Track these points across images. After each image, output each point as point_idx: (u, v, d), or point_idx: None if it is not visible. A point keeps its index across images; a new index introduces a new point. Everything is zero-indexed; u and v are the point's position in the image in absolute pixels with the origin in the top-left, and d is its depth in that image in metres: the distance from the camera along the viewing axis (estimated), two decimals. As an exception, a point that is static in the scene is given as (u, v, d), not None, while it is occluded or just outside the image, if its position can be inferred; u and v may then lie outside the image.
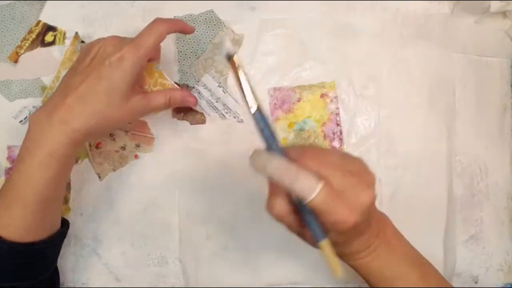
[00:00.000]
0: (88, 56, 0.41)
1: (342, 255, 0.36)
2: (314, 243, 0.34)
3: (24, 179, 0.38)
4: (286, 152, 0.32)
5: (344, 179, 0.31)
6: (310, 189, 0.30)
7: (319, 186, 0.30)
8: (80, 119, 0.39)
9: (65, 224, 0.45)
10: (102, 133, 0.43)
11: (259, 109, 0.32)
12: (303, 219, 0.33)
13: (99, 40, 0.42)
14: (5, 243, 0.38)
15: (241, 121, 0.50)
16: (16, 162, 0.40)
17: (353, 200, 0.31)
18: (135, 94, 0.41)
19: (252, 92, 0.32)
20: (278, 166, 0.30)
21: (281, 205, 0.33)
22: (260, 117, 0.32)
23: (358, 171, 0.33)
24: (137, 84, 0.43)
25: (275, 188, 0.33)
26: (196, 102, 0.46)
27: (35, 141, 0.39)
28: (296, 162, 0.31)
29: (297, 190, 0.30)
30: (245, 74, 0.32)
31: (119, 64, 0.39)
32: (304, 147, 0.35)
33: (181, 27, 0.44)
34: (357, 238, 0.34)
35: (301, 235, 0.35)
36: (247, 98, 0.32)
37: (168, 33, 0.42)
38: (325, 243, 0.33)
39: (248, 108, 0.32)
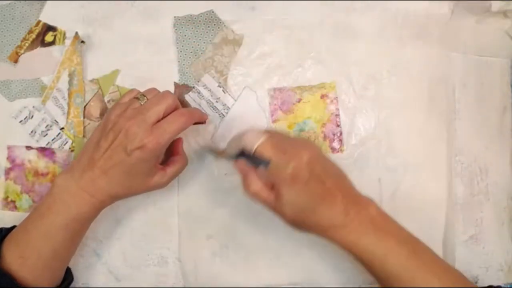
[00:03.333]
0: (109, 132, 0.41)
1: (324, 230, 0.40)
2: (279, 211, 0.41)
3: (44, 236, 0.41)
4: None
5: (285, 140, 0.41)
6: (256, 137, 0.40)
7: (262, 139, 0.40)
8: (106, 193, 0.42)
9: (69, 275, 0.46)
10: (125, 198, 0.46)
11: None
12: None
13: (118, 111, 0.42)
14: None
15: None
16: (32, 215, 0.42)
17: (292, 152, 0.39)
18: (156, 172, 0.43)
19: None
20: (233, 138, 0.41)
21: (254, 182, 0.41)
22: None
23: (298, 141, 0.44)
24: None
25: (245, 170, 0.41)
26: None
27: (61, 203, 0.41)
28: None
29: (246, 142, 0.40)
30: None
31: (140, 154, 0.40)
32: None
33: (199, 117, 0.45)
34: (322, 209, 0.39)
35: (275, 209, 0.41)
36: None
37: (187, 126, 0.43)
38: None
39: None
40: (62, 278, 0.44)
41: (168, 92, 0.43)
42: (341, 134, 0.50)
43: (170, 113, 0.42)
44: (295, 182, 0.39)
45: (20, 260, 0.40)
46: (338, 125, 0.50)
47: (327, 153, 0.50)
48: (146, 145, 0.40)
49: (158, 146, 0.40)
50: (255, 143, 0.40)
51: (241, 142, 0.40)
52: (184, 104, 0.50)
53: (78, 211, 0.41)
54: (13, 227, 0.43)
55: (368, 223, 0.39)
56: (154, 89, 0.45)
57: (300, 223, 0.41)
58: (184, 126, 0.42)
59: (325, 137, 0.50)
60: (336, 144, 0.50)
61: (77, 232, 0.43)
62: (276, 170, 0.39)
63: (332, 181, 0.40)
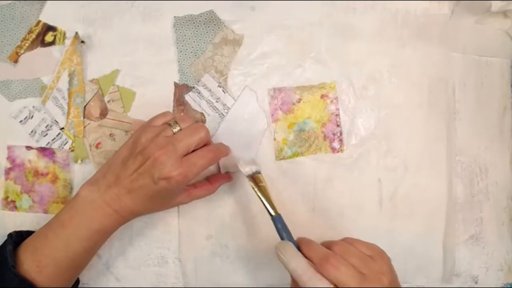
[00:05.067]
0: (138, 155, 0.41)
1: None
2: None
3: (63, 246, 0.41)
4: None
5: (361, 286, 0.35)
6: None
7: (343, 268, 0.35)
8: (129, 210, 0.42)
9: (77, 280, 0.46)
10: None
11: (278, 215, 0.41)
12: None
13: (150, 135, 0.42)
14: None
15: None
16: (53, 224, 0.42)
17: (372, 277, 0.35)
18: (179, 195, 0.44)
19: (271, 202, 0.42)
20: (299, 266, 0.36)
21: None
22: (279, 222, 0.41)
23: (373, 276, 0.36)
24: None
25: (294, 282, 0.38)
26: (231, 178, 0.49)
27: (85, 215, 0.41)
28: (316, 264, 0.36)
29: None
30: (265, 186, 0.43)
31: (166, 185, 0.40)
32: (327, 249, 0.38)
33: (225, 154, 0.46)
34: None
35: None
36: (267, 207, 0.42)
37: (215, 163, 0.45)
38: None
39: (269, 213, 0.42)
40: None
41: (201, 125, 0.43)
42: (341, 134, 0.50)
43: (201, 146, 0.42)
44: None
45: (38, 269, 0.40)
46: (338, 125, 0.50)
47: (329, 152, 0.50)
48: (173, 177, 0.40)
49: (185, 180, 0.41)
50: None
51: (301, 284, 0.36)
52: (184, 104, 0.50)
53: (101, 225, 0.42)
54: (28, 232, 0.44)
55: None
56: (189, 117, 0.45)
57: None
58: (212, 162, 0.43)
59: (325, 137, 0.50)
60: (336, 144, 0.50)
61: (97, 243, 0.43)
62: None
63: None
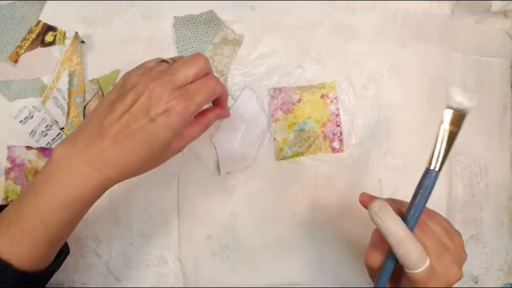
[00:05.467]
0: (128, 93, 0.35)
1: None
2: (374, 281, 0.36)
3: (38, 218, 0.34)
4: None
5: (442, 258, 0.33)
6: (417, 265, 0.32)
7: (426, 265, 0.33)
8: (116, 168, 0.35)
9: (65, 248, 0.40)
10: (134, 176, 0.38)
11: (438, 172, 0.34)
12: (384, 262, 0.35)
13: (141, 72, 0.36)
14: (17, 272, 0.34)
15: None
16: (27, 192, 0.35)
17: (443, 278, 0.33)
18: (174, 138, 0.37)
19: (446, 155, 0.34)
20: (399, 234, 0.33)
21: (377, 260, 0.35)
22: (433, 180, 0.34)
23: (454, 249, 0.35)
24: None
25: (377, 242, 0.35)
26: (229, 114, 0.44)
27: (59, 180, 0.34)
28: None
29: (406, 261, 0.33)
30: (455, 134, 0.34)
31: (165, 120, 0.34)
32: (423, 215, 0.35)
33: (226, 95, 0.41)
34: None
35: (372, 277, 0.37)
36: (437, 154, 0.34)
37: (218, 94, 0.38)
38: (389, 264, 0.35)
39: (430, 162, 0.34)
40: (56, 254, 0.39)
41: (200, 53, 0.37)
42: (341, 134, 0.50)
43: (200, 78, 0.37)
44: None
45: (12, 247, 0.34)
46: (338, 125, 0.50)
47: (329, 152, 0.50)
48: (173, 108, 0.34)
49: (186, 111, 0.35)
50: (414, 268, 0.33)
51: (400, 254, 0.33)
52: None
53: (80, 190, 0.34)
54: (5, 205, 0.37)
55: None
56: (184, 56, 0.39)
57: None
58: (214, 93, 0.37)
59: (325, 137, 0.50)
60: (336, 144, 0.50)
61: (77, 213, 0.35)
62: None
63: None
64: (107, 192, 0.51)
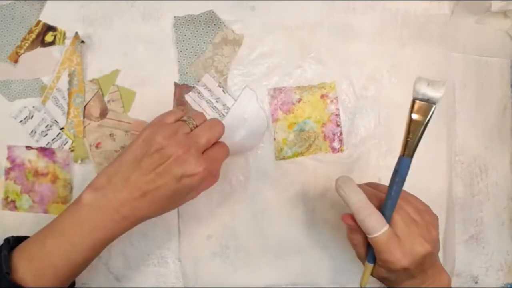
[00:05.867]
0: (154, 154, 0.38)
1: None
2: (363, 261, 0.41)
3: (64, 255, 0.38)
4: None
5: (408, 228, 0.37)
6: (375, 228, 0.37)
7: (384, 229, 0.37)
8: (141, 216, 0.40)
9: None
10: None
11: (410, 159, 0.37)
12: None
13: (167, 133, 0.39)
14: None
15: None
16: (54, 230, 0.39)
17: (408, 248, 0.37)
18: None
19: (413, 144, 0.37)
20: (358, 202, 0.38)
21: (358, 238, 0.40)
22: (407, 167, 0.37)
23: (423, 224, 0.38)
24: None
25: (351, 224, 0.39)
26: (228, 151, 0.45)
27: (90, 224, 0.38)
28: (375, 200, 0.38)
29: (365, 225, 0.37)
30: (422, 124, 0.36)
31: (190, 182, 0.39)
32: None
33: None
34: (408, 280, 0.38)
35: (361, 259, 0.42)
36: (407, 145, 0.37)
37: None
38: (368, 265, 0.40)
39: (403, 150, 0.37)
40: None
41: (217, 120, 0.42)
42: (341, 134, 0.50)
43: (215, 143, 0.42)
44: (401, 272, 0.37)
45: (35, 278, 0.37)
46: (338, 125, 0.50)
47: (329, 152, 0.50)
48: (198, 173, 0.38)
49: (209, 175, 0.40)
50: (373, 232, 0.37)
51: (359, 220, 0.37)
52: (184, 104, 0.50)
53: (107, 234, 0.39)
54: (26, 237, 0.40)
55: None
56: (201, 113, 0.43)
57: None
58: (228, 156, 0.43)
59: (325, 137, 0.50)
60: (336, 144, 0.50)
61: (99, 251, 0.40)
62: (386, 264, 0.38)
63: (434, 270, 0.39)
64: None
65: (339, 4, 0.51)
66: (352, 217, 0.39)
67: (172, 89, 0.50)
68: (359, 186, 0.39)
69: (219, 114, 0.50)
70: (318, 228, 0.50)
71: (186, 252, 0.50)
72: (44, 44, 0.51)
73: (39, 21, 0.51)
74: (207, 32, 0.50)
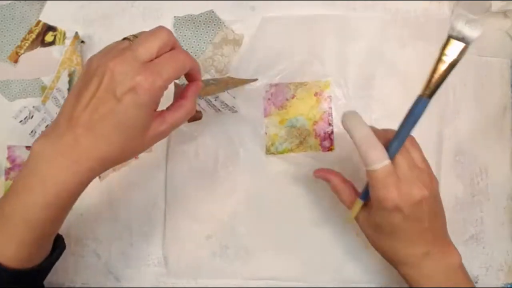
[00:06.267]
0: (92, 79, 0.33)
1: (395, 263, 0.39)
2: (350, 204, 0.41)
3: (21, 218, 0.33)
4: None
5: (411, 172, 0.36)
6: (375, 161, 0.35)
7: (384, 163, 0.35)
8: (93, 157, 0.33)
9: (59, 242, 0.40)
10: (118, 164, 0.36)
11: (428, 100, 0.35)
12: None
13: (102, 54, 0.34)
14: (7, 271, 0.34)
15: (235, 112, 0.50)
16: (9, 192, 0.34)
17: (405, 189, 0.35)
18: (152, 121, 0.35)
19: (439, 84, 0.35)
20: (363, 134, 0.36)
21: (350, 194, 0.41)
22: (423, 107, 0.35)
23: (425, 171, 0.37)
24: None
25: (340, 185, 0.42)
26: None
27: (39, 178, 0.33)
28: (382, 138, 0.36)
29: (366, 156, 0.35)
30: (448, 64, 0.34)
31: (133, 98, 0.32)
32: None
33: (198, 69, 0.38)
34: (405, 244, 0.38)
35: (358, 216, 0.41)
36: (429, 84, 0.35)
37: (188, 68, 0.36)
38: (358, 201, 0.40)
39: (424, 89, 0.35)
40: (50, 248, 0.38)
41: (162, 26, 0.35)
42: (332, 133, 0.50)
43: (166, 52, 0.34)
44: (394, 214, 0.36)
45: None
46: (330, 124, 0.50)
47: (319, 151, 0.50)
48: (139, 84, 0.32)
49: (154, 87, 0.32)
50: (372, 165, 0.35)
51: (361, 151, 0.36)
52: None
53: (60, 186, 0.33)
54: None
55: (442, 273, 0.38)
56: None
57: (373, 242, 0.40)
58: (183, 69, 0.35)
59: (316, 135, 0.50)
60: (326, 143, 0.50)
61: (61, 210, 0.34)
62: (380, 201, 0.36)
63: (429, 222, 0.37)
64: (107, 192, 0.51)
65: (339, 4, 0.51)
66: (321, 171, 0.41)
67: (172, 89, 0.50)
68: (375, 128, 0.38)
69: (215, 110, 0.50)
70: (316, 227, 0.50)
71: (186, 252, 0.50)
72: (44, 44, 0.51)
73: (39, 21, 0.51)
74: (207, 32, 0.50)
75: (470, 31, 0.33)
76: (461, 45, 0.34)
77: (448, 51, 0.34)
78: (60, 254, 0.40)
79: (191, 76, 0.38)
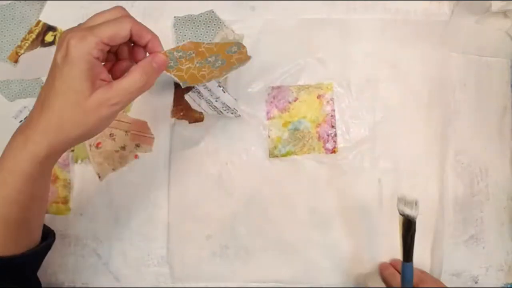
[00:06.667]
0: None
1: None
2: None
3: None
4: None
5: None
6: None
7: None
8: (47, 133, 0.33)
9: (49, 236, 0.40)
10: (72, 144, 0.35)
11: (410, 264, 0.41)
12: None
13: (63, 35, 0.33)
14: None
15: (238, 116, 0.50)
16: None
17: None
18: (96, 88, 0.33)
19: (411, 249, 0.41)
20: None
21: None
22: (411, 270, 0.41)
23: None
24: (100, 78, 0.34)
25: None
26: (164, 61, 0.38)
27: (3, 157, 0.34)
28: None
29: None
30: (414, 234, 0.41)
31: (65, 59, 0.31)
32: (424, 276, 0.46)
33: (151, 38, 0.36)
34: None
35: None
36: (406, 254, 0.41)
37: (128, 30, 0.34)
38: None
39: (404, 258, 0.41)
40: (38, 240, 0.38)
41: (118, 6, 0.35)
42: (335, 135, 0.50)
43: None
44: None
45: None
46: (333, 126, 0.50)
47: (322, 153, 0.50)
48: (69, 42, 0.31)
49: (83, 42, 0.31)
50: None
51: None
52: (184, 104, 0.50)
53: (13, 162, 0.33)
54: None
55: None
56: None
57: None
58: (122, 26, 0.33)
59: (319, 137, 0.50)
60: (330, 145, 0.50)
61: (18, 190, 0.34)
62: None
63: None
64: (107, 192, 0.51)
65: (339, 4, 0.51)
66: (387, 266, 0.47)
67: (172, 89, 0.50)
68: (384, 264, 0.48)
69: (217, 112, 0.50)
70: (316, 228, 0.50)
71: (186, 252, 0.50)
72: (44, 44, 0.51)
73: (39, 21, 0.51)
74: (207, 32, 0.50)
75: (409, 211, 0.40)
76: (409, 221, 0.40)
77: (403, 226, 0.41)
78: (49, 246, 0.39)
79: (149, 49, 0.37)
